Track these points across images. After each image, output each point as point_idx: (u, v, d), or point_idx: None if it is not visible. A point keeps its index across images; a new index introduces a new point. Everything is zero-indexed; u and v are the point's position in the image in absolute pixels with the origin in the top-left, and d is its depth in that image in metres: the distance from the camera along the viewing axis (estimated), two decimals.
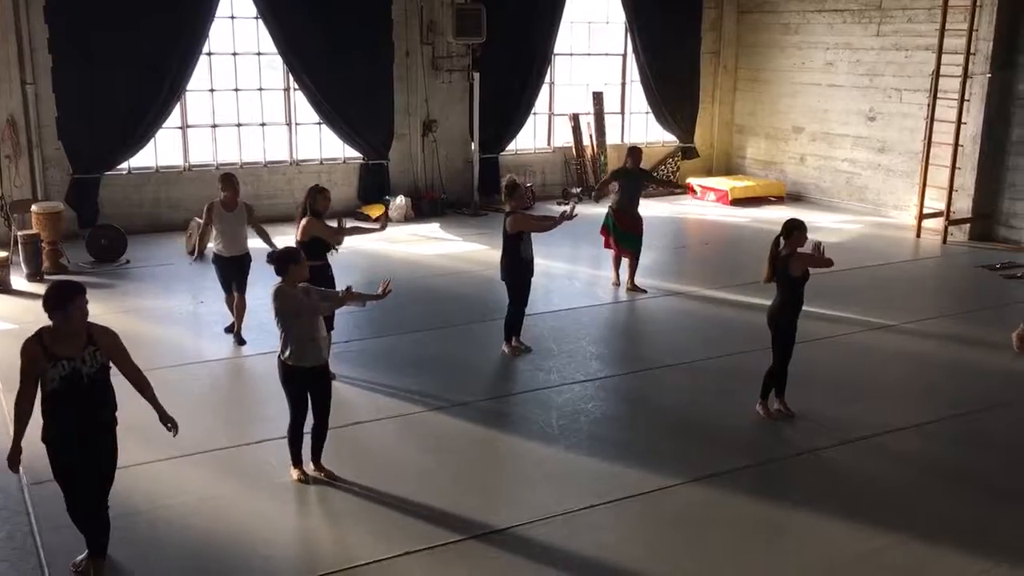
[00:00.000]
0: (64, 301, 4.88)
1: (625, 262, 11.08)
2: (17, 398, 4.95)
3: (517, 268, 8.67)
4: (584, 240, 12.82)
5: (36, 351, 4.87)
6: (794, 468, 6.87)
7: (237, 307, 9.09)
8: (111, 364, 5.10)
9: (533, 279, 8.89)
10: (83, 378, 4.91)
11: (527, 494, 6.42)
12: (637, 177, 11.10)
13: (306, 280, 6.33)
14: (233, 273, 8.99)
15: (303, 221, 7.99)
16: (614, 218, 10.88)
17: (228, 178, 8.88)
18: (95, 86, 12.71)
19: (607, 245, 11.13)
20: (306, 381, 6.27)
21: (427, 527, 5.88)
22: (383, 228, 8.72)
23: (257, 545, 5.67)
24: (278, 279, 6.21)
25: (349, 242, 8.49)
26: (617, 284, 11.17)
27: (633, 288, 11.00)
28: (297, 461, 6.47)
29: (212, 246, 9.00)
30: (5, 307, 10.08)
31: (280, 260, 6.23)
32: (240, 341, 9.12)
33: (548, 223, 8.80)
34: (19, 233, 11.29)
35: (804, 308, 7.37)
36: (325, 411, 6.40)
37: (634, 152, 11.02)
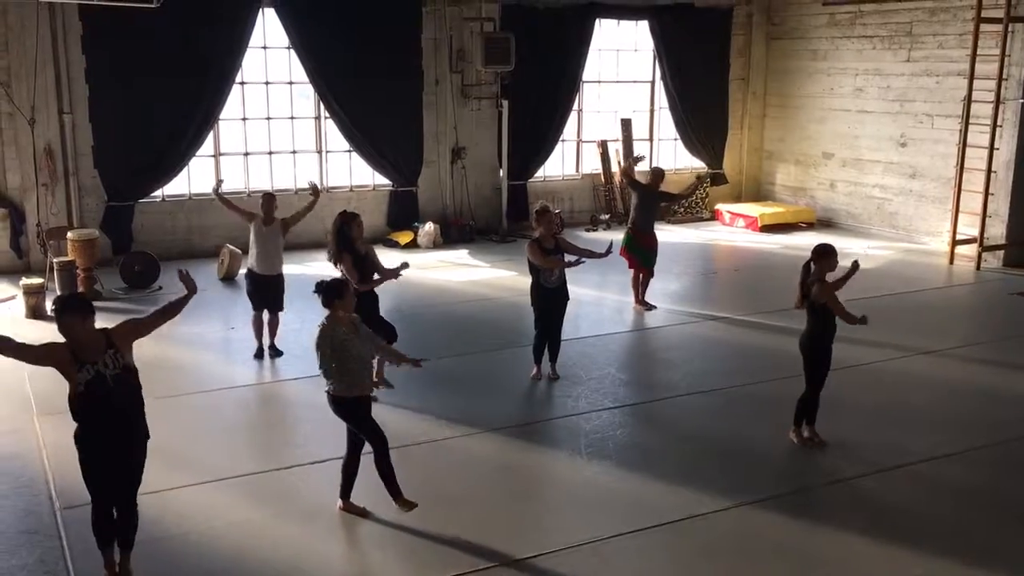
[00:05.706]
0: (56, 315, 5.09)
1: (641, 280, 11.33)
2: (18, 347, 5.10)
3: (537, 295, 8.73)
4: (612, 267, 12.77)
5: (64, 352, 5.05)
6: (828, 496, 6.77)
7: (269, 325, 9.31)
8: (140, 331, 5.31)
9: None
10: (107, 380, 5.07)
11: (555, 522, 6.38)
12: (654, 196, 11.34)
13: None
14: (266, 293, 9.15)
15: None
16: (632, 235, 11.15)
17: (267, 196, 9.23)
18: (130, 116, 12.93)
19: (631, 266, 11.32)
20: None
21: (454, 553, 5.84)
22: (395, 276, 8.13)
23: (285, 570, 5.66)
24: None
25: None
26: (638, 307, 11.25)
27: (642, 302, 11.24)
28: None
29: (248, 263, 9.24)
30: (41, 334, 10.19)
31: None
32: (276, 353, 9.31)
33: (553, 263, 8.43)
34: (55, 260, 11.46)
35: (839, 334, 7.29)
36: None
37: (655, 173, 11.42)
